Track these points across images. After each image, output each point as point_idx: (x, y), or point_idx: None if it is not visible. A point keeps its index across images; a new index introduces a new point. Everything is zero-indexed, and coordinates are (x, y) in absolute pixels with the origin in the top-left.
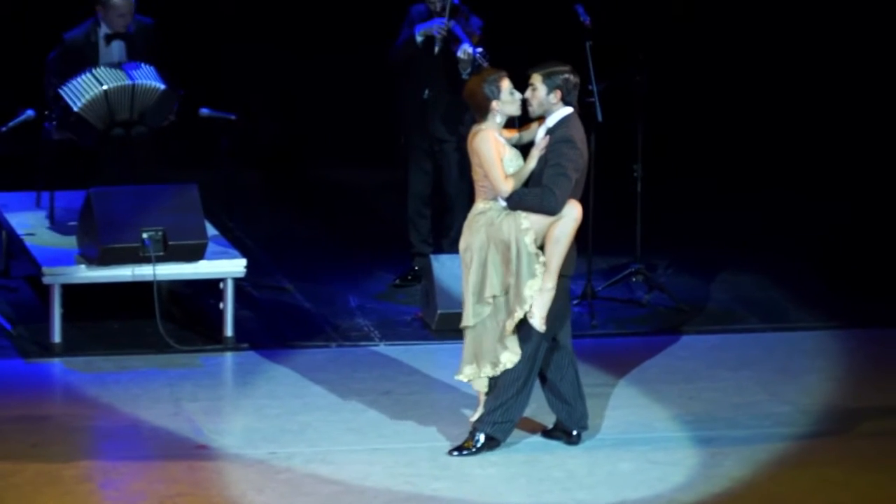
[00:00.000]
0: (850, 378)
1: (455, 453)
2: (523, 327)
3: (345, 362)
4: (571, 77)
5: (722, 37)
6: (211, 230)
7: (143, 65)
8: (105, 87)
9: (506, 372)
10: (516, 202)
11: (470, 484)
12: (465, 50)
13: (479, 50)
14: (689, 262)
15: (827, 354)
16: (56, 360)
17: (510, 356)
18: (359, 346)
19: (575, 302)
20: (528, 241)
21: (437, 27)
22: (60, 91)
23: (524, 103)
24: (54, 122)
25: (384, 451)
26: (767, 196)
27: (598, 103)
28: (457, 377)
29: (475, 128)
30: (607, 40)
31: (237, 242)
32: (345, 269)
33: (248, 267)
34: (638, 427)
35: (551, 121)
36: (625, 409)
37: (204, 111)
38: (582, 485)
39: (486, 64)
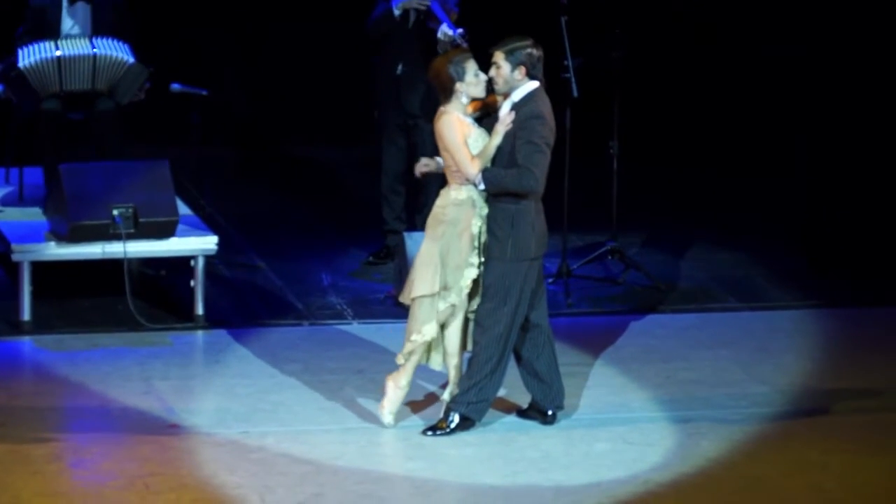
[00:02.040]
0: (829, 358)
1: (429, 433)
2: (495, 308)
3: (317, 341)
4: (535, 51)
5: (699, 12)
6: (182, 207)
7: (114, 40)
8: (59, 52)
9: (479, 352)
10: (495, 185)
11: (444, 464)
12: (445, 31)
13: (460, 31)
14: (666, 241)
15: (805, 334)
16: (25, 338)
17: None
18: (331, 325)
19: (550, 280)
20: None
21: (417, 1)
22: (19, 49)
23: (490, 84)
24: None
25: (358, 431)
26: (745, 174)
27: (573, 79)
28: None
29: (440, 110)
30: (583, 15)
31: (209, 220)
32: (317, 247)
33: (219, 244)
34: (614, 407)
35: (517, 95)
36: (601, 388)
37: (175, 86)
38: (558, 465)
39: (465, 45)
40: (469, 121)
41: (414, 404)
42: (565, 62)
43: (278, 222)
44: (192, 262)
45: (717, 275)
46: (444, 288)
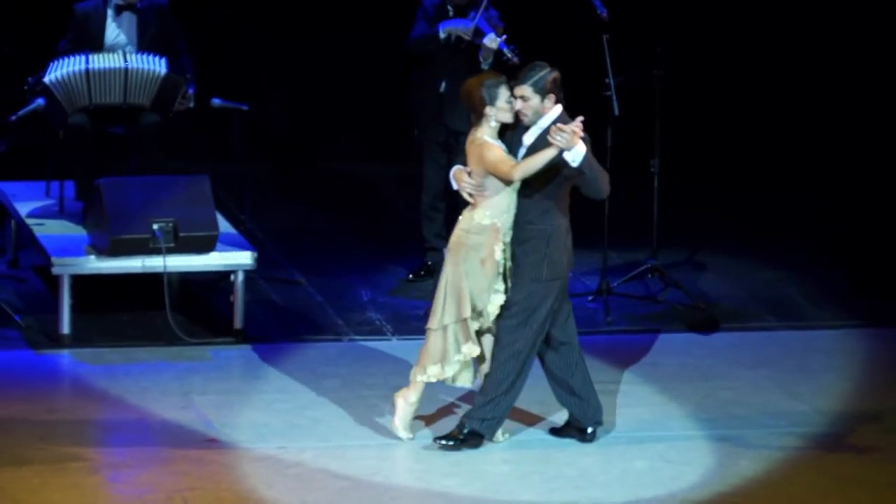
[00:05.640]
0: (868, 377)
1: (441, 442)
2: (517, 326)
3: (356, 357)
4: (556, 74)
5: (741, 31)
6: (222, 222)
7: (150, 54)
8: (88, 66)
9: (496, 368)
10: (590, 167)
11: (482, 481)
12: (492, 38)
13: (512, 48)
14: (706, 259)
15: (844, 353)
16: (65, 352)
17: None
18: (370, 341)
19: (590, 298)
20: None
21: (464, 30)
22: (50, 62)
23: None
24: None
25: (395, 447)
26: (786, 192)
27: (614, 97)
28: (420, 378)
29: (472, 134)
30: (624, 33)
31: (248, 235)
32: (357, 263)
33: (259, 259)
34: (653, 425)
35: (545, 122)
36: (640, 406)
37: (216, 101)
38: (595, 483)
39: (516, 59)
40: (498, 143)
41: (452, 420)
42: (606, 80)
43: (318, 238)
44: (232, 277)
45: (756, 293)
46: (474, 310)
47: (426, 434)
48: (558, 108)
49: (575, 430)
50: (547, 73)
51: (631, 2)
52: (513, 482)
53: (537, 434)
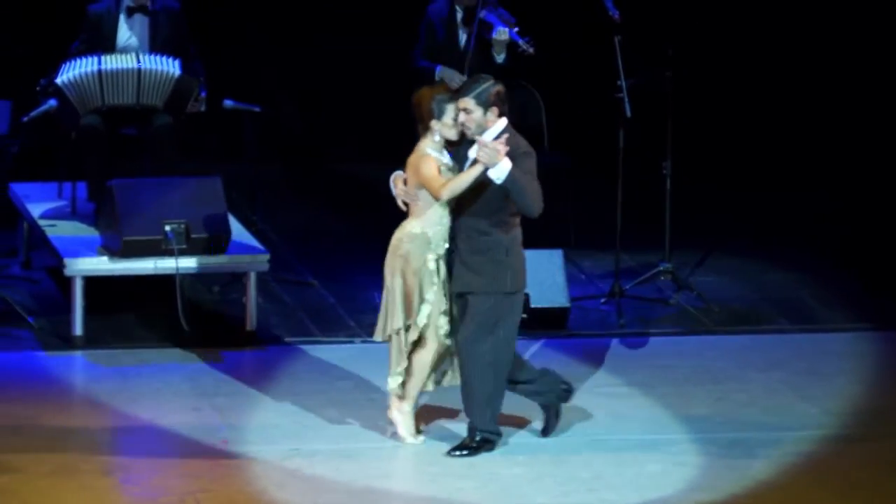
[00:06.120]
0: (880, 380)
1: (456, 453)
2: (476, 340)
3: (369, 358)
4: (500, 87)
5: (753, 31)
6: (234, 223)
7: (162, 55)
8: (101, 67)
9: (470, 385)
10: (516, 185)
11: (495, 483)
12: (502, 30)
13: (526, 39)
14: (718, 261)
15: (856, 356)
16: (77, 353)
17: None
18: (382, 343)
19: (603, 300)
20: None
21: (458, 81)
22: (63, 63)
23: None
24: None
25: (408, 449)
26: (798, 194)
27: (626, 99)
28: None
29: (418, 147)
30: (636, 35)
31: (260, 236)
32: (369, 264)
33: (271, 261)
34: (665, 428)
35: (490, 135)
36: (652, 409)
37: (228, 103)
38: (609, 485)
39: (531, 50)
40: (444, 157)
41: (466, 421)
42: (618, 82)
43: (330, 239)
44: (244, 279)
45: (768, 296)
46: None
47: (439, 436)
48: (503, 122)
49: (552, 411)
50: (490, 86)
51: (643, 3)
52: (526, 485)
53: (553, 437)
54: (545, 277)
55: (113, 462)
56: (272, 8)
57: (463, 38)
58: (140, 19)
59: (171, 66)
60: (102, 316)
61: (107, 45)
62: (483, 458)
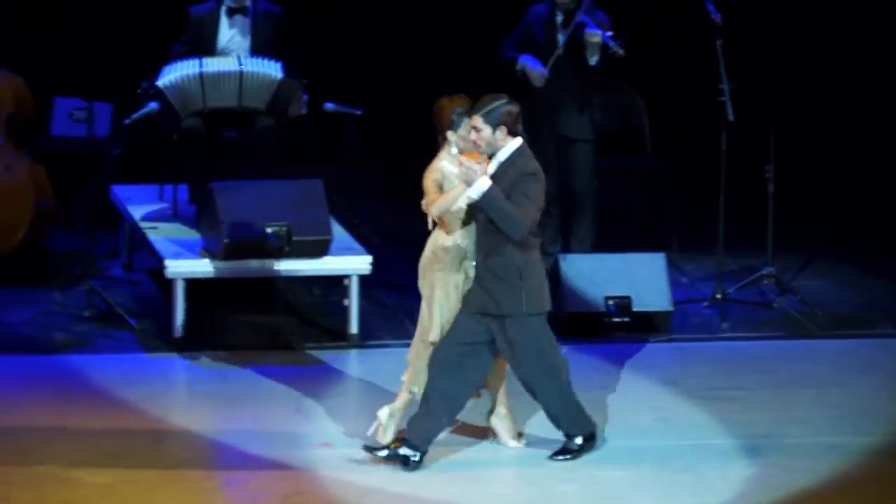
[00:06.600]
0: None
1: (559, 457)
2: (537, 365)
3: None
4: (512, 107)
5: (856, 33)
6: (335, 226)
7: (265, 58)
8: (203, 70)
9: (547, 408)
10: (493, 205)
11: (597, 486)
12: (594, 32)
13: (618, 41)
14: (822, 265)
15: None
16: (178, 355)
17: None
18: None
19: (705, 304)
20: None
21: (537, 77)
22: (164, 66)
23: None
24: (140, 90)
25: (513, 452)
26: None
27: (729, 102)
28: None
29: (437, 157)
30: (739, 38)
31: (361, 239)
32: None
33: (372, 263)
34: (768, 431)
35: (503, 155)
36: (755, 412)
37: (329, 106)
38: (712, 489)
39: (621, 52)
40: (452, 169)
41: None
42: (721, 85)
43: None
44: (346, 281)
45: (873, 300)
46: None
47: (543, 439)
48: (517, 142)
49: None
50: (501, 105)
51: (745, 6)
52: (628, 488)
53: (656, 441)
54: (648, 281)
55: (214, 464)
56: (372, 10)
57: (562, 41)
58: (241, 20)
59: (272, 69)
60: (203, 318)
61: (208, 46)
62: (584, 462)
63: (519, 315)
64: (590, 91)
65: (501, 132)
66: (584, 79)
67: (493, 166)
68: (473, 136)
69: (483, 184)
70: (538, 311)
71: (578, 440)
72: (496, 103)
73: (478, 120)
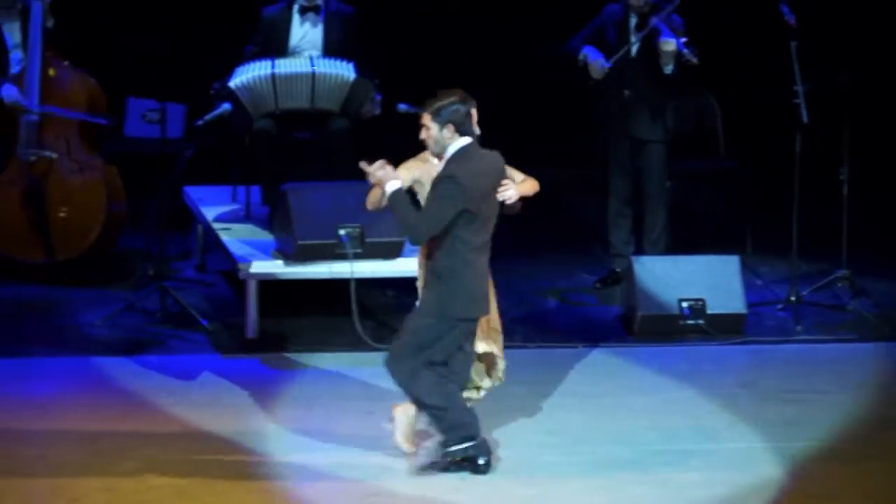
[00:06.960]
0: None
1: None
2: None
3: (543, 364)
4: (461, 106)
5: None
6: None
7: (337, 59)
8: (275, 71)
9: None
10: (395, 208)
11: (668, 487)
12: (668, 40)
13: (691, 49)
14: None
15: None
16: (252, 356)
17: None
18: (557, 348)
19: (779, 307)
20: None
21: (597, 70)
22: (237, 67)
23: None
24: (212, 91)
25: (580, 455)
26: None
27: (803, 104)
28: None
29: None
30: (813, 40)
31: None
32: (543, 269)
33: None
34: (841, 432)
35: (448, 153)
36: (828, 414)
37: (402, 107)
38: (787, 492)
39: (694, 60)
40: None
41: (637, 427)
42: (795, 87)
43: (504, 244)
44: (418, 283)
45: None
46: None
47: (611, 441)
48: (463, 141)
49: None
50: (451, 103)
51: (820, 8)
52: (698, 490)
53: (724, 444)
54: (722, 283)
55: (287, 464)
56: (445, 12)
57: (634, 42)
58: (313, 19)
59: (345, 70)
60: (276, 319)
61: (280, 46)
62: (657, 465)
63: (444, 315)
64: (663, 94)
65: (449, 130)
66: (657, 83)
67: (441, 165)
68: (423, 133)
69: (390, 187)
70: (468, 316)
71: (447, 457)
72: (446, 101)
73: (426, 117)
